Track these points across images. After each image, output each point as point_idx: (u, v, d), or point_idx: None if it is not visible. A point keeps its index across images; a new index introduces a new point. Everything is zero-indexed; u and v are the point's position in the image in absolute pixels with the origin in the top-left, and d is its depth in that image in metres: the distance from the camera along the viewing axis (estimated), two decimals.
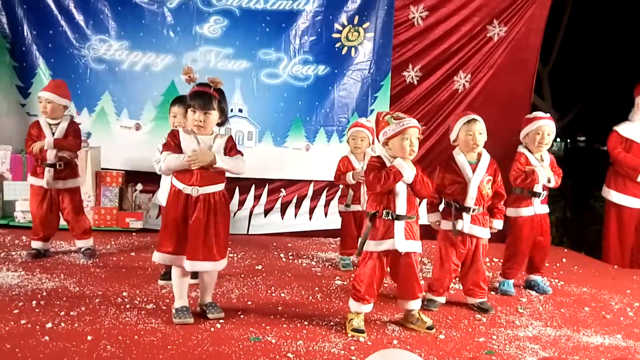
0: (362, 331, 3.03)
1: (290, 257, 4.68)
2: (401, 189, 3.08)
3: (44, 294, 3.38)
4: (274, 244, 5.09)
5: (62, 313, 3.06)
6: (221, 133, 3.25)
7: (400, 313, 3.32)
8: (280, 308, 3.38)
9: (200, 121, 3.01)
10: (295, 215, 5.92)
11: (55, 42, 5.64)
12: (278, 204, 5.89)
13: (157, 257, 3.08)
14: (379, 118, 3.22)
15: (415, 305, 3.17)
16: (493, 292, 3.88)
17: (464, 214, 3.41)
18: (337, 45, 5.86)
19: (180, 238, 3.02)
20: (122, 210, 5.31)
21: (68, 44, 5.65)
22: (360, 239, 3.14)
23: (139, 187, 5.59)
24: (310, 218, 5.94)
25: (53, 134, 4.16)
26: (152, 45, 5.71)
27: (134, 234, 5.11)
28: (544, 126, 3.83)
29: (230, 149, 3.17)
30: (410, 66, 5.92)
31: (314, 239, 5.47)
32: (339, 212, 4.51)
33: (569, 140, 18.02)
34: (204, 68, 5.71)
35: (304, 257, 4.74)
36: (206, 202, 3.03)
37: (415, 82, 5.95)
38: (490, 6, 5.92)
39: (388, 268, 3.16)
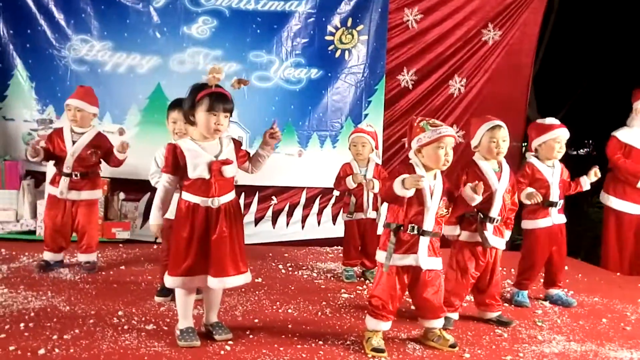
0: (382, 350, 2.83)
1: (290, 269, 4.47)
2: (433, 204, 2.89)
3: (32, 314, 3.09)
4: (270, 254, 4.86)
5: (55, 337, 2.78)
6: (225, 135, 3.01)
7: (418, 329, 3.14)
8: (290, 326, 3.16)
9: (222, 125, 2.78)
10: (287, 224, 5.71)
11: (33, 42, 5.32)
12: (269, 213, 5.67)
13: (173, 282, 2.79)
14: (414, 124, 3.02)
15: (437, 324, 2.99)
16: (506, 304, 3.73)
17: (488, 224, 3.25)
18: (330, 48, 5.69)
19: (199, 256, 2.77)
20: (108, 220, 5.00)
21: (47, 44, 5.33)
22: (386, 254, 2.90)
23: (122, 195, 5.30)
24: (302, 227, 5.73)
25: (73, 142, 3.96)
26: (137, 46, 5.43)
27: (120, 245, 4.83)
28: (562, 135, 3.72)
29: (242, 156, 2.95)
30: (405, 70, 5.79)
31: (310, 249, 5.27)
32: (343, 221, 4.30)
33: None
34: (192, 70, 5.48)
35: (304, 268, 4.53)
36: (227, 212, 2.81)
37: (410, 86, 5.82)
38: (484, 10, 5.84)
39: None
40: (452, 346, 2.94)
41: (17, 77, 5.33)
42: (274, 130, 2.97)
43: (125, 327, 2.99)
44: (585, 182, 3.88)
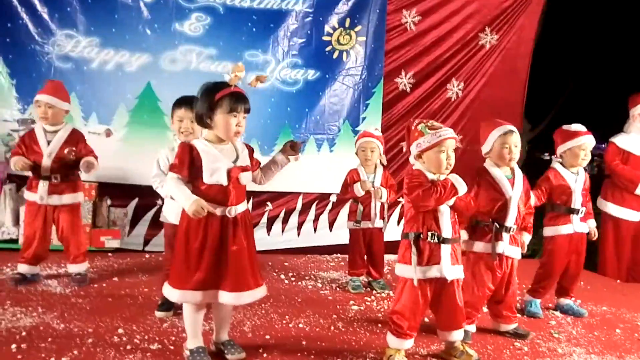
0: None
1: (293, 279, 4.28)
2: (445, 208, 2.77)
3: (23, 334, 2.83)
4: (270, 264, 4.65)
5: (52, 359, 2.55)
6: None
7: (436, 344, 3.00)
8: (304, 343, 2.98)
9: (242, 127, 2.59)
10: (283, 231, 5.51)
11: (14, 36, 4.98)
12: (264, 219, 5.46)
13: (181, 296, 2.56)
14: (411, 127, 2.89)
15: (458, 336, 2.86)
16: (518, 315, 3.61)
17: (504, 234, 3.13)
18: (327, 48, 5.52)
19: (212, 269, 2.55)
20: (96, 228, 4.73)
21: (29, 39, 5.00)
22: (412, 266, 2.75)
23: (108, 201, 5.03)
24: (298, 234, 5.54)
25: (48, 142, 3.67)
26: (126, 42, 5.14)
27: (110, 254, 4.56)
28: (587, 143, 3.64)
29: (255, 164, 2.77)
30: (403, 72, 5.66)
31: (309, 257, 5.08)
32: (348, 229, 4.13)
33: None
34: (184, 69, 5.25)
35: (307, 278, 4.35)
36: (243, 222, 2.61)
37: (408, 90, 5.68)
38: (482, 14, 5.76)
39: None
40: None
41: None
42: (294, 150, 2.80)
43: (128, 346, 2.77)
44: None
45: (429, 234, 2.73)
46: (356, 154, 4.14)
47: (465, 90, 5.78)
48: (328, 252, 5.31)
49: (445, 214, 2.76)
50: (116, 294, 3.62)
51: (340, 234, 5.63)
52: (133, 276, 4.08)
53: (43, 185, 3.65)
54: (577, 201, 3.67)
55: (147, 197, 5.22)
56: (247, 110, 2.60)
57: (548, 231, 3.74)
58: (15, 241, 4.60)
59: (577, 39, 8.78)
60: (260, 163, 2.84)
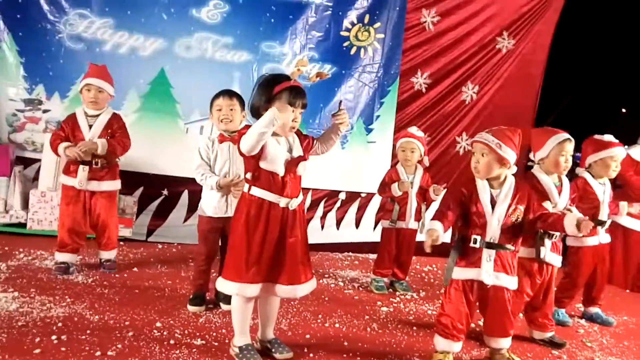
0: None
1: (312, 287, 4.17)
2: (497, 214, 2.73)
3: (59, 324, 2.70)
4: None
5: (98, 353, 2.43)
6: None
7: (476, 349, 2.97)
8: (346, 344, 2.91)
9: (298, 122, 2.55)
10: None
11: (25, 12, 4.79)
12: None
13: (239, 288, 2.46)
14: None
15: (505, 343, 2.82)
16: None
17: (546, 240, 3.11)
18: (345, 44, 5.43)
19: (272, 261, 2.48)
20: None
21: (40, 17, 4.81)
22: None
23: None
24: None
25: (90, 127, 3.58)
26: (141, 26, 4.98)
27: (122, 243, 4.39)
28: (619, 154, 3.66)
29: (307, 143, 2.68)
30: (419, 72, 5.61)
31: (322, 254, 5.00)
32: (382, 227, 4.06)
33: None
34: (199, 57, 5.12)
35: (326, 276, 4.27)
36: (300, 214, 2.55)
37: (424, 90, 5.64)
38: (500, 17, 5.74)
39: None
40: None
41: (4, 50, 4.80)
42: (338, 113, 2.70)
43: (172, 341, 2.66)
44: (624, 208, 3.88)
45: (473, 238, 2.71)
46: (397, 153, 4.08)
47: (479, 94, 5.77)
48: (335, 250, 5.25)
49: (494, 220, 2.72)
50: (141, 286, 3.49)
51: (347, 233, 5.60)
52: (152, 267, 3.95)
53: (83, 171, 3.55)
54: (604, 213, 3.68)
55: (153, 187, 5.09)
56: (304, 106, 2.54)
57: (573, 241, 3.73)
58: (24, 225, 4.42)
59: (581, 48, 8.89)
60: (313, 138, 2.75)
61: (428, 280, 4.49)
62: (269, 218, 2.46)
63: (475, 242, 2.70)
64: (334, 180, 5.49)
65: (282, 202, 2.47)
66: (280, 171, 2.48)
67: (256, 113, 2.54)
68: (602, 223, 3.67)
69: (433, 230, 2.56)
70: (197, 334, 2.79)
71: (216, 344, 2.69)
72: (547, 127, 3.27)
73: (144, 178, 5.02)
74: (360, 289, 4.01)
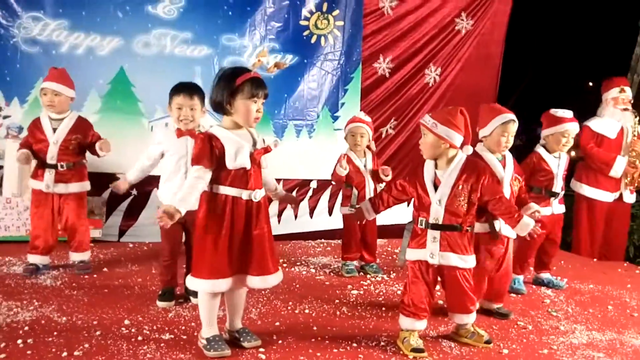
0: (422, 350, 2.69)
1: (285, 265, 4.21)
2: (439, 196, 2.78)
3: (26, 328, 2.69)
4: None
5: (65, 354, 2.43)
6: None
7: (443, 325, 3.04)
8: (315, 328, 2.95)
9: (261, 112, 2.54)
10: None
11: None
12: None
13: (212, 285, 2.49)
14: None
15: (468, 319, 2.88)
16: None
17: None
18: (305, 33, 5.45)
19: (240, 254, 2.50)
20: None
21: None
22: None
23: None
24: (279, 221, 5.46)
25: (54, 130, 3.59)
26: (97, 25, 4.92)
27: (92, 244, 4.36)
28: (571, 130, 3.74)
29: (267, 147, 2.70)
30: (381, 58, 5.66)
31: (294, 243, 5.05)
32: (342, 214, 4.11)
33: None
34: (158, 53, 5.08)
35: (298, 264, 4.31)
36: (264, 206, 2.58)
37: (387, 75, 5.69)
38: None
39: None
40: (488, 342, 2.85)
41: None
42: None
43: (139, 338, 2.66)
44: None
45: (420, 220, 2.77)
46: (345, 138, 4.12)
47: (442, 76, 5.84)
48: (309, 238, 5.28)
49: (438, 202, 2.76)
50: (110, 285, 3.48)
51: (320, 221, 5.64)
52: (122, 266, 3.94)
53: (49, 174, 3.58)
54: (557, 185, 3.79)
55: None
56: (266, 96, 2.56)
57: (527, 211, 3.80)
58: None
59: (540, 24, 8.99)
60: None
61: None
62: (234, 212, 2.49)
63: (421, 224, 2.75)
64: (304, 170, 5.53)
65: (245, 194, 2.49)
66: (247, 164, 2.50)
67: (219, 107, 2.54)
68: (554, 194, 3.76)
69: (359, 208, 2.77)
70: (166, 328, 2.80)
71: (185, 337, 2.71)
72: (494, 105, 3.31)
73: (111, 179, 4.95)
74: (332, 274, 4.06)
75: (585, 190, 5.18)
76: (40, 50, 4.84)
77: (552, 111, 3.84)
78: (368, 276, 4.01)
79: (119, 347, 2.55)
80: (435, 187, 2.74)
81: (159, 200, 3.25)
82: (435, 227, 2.71)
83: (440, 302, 3.24)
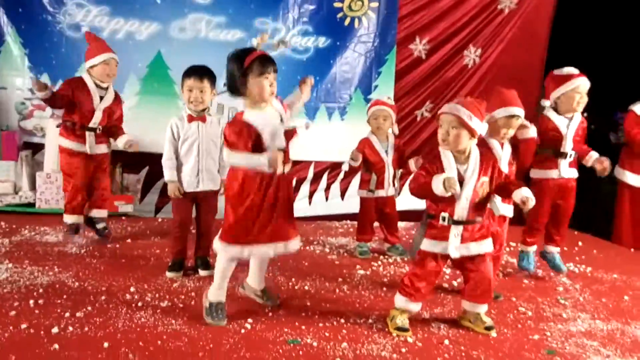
0: (406, 330, 2.70)
1: (301, 244, 4.29)
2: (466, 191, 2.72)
3: (40, 290, 2.94)
4: None
5: (67, 314, 2.64)
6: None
7: (439, 307, 3.04)
8: (309, 304, 3.02)
9: (275, 86, 2.65)
10: (294, 200, 5.53)
11: (26, 6, 5.06)
12: None
13: (236, 251, 2.65)
14: None
15: (483, 309, 2.83)
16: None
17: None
18: (339, 15, 5.46)
19: (270, 223, 2.65)
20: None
21: (41, 9, 5.07)
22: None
23: (120, 168, 5.12)
24: (309, 203, 5.57)
25: (100, 98, 3.87)
26: (136, 11, 5.18)
27: (123, 218, 4.64)
28: (582, 85, 3.51)
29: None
30: (417, 39, 5.57)
31: (319, 223, 5.11)
32: (360, 197, 4.12)
33: None
34: (193, 38, 5.27)
35: (315, 243, 4.38)
36: (289, 177, 2.77)
37: (424, 56, 5.60)
38: None
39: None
40: (488, 328, 2.78)
41: (8, 44, 5.08)
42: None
43: (140, 304, 2.84)
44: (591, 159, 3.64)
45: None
46: (368, 122, 4.10)
47: (482, 57, 5.68)
48: (339, 220, 5.33)
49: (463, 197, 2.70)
50: (129, 255, 3.71)
51: (353, 203, 5.61)
52: (146, 238, 4.18)
53: (90, 136, 3.84)
54: (567, 145, 3.57)
55: (158, 165, 5.25)
56: (276, 71, 2.65)
57: (535, 173, 3.65)
58: (32, 205, 4.74)
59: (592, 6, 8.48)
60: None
61: None
62: (266, 185, 2.61)
63: (443, 220, 2.67)
64: (335, 152, 5.55)
65: (279, 169, 2.59)
66: (283, 145, 2.62)
67: (235, 90, 2.65)
68: (562, 155, 3.57)
69: (448, 177, 2.52)
70: (167, 297, 2.96)
71: (181, 305, 2.86)
72: (508, 93, 3.14)
73: (148, 158, 5.20)
74: (345, 254, 4.10)
75: (629, 177, 4.93)
76: (84, 36, 5.12)
77: (557, 71, 3.61)
78: (381, 257, 4.00)
79: (118, 311, 2.73)
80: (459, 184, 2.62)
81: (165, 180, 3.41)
82: (459, 223, 2.67)
83: (446, 285, 3.22)
